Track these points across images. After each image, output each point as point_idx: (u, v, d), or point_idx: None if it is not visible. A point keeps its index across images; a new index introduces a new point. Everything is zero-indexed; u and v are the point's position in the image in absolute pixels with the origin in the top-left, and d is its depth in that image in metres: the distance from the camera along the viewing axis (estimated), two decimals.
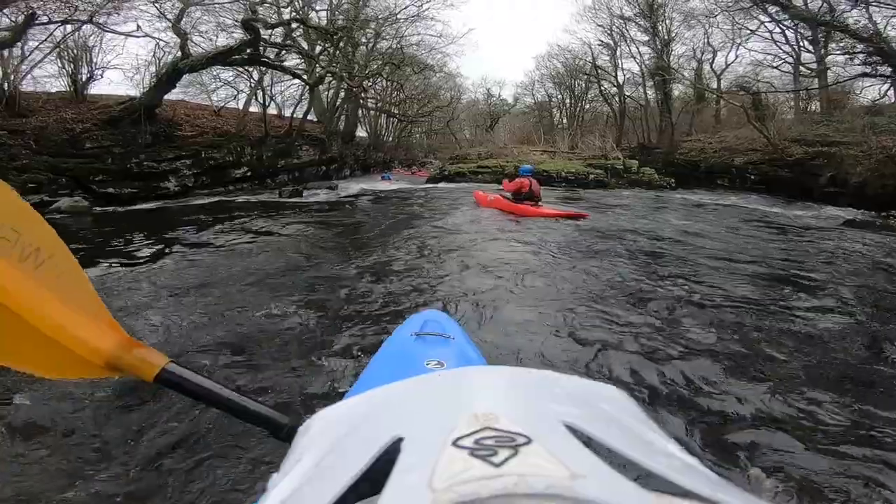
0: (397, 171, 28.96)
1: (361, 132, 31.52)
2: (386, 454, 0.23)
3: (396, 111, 30.15)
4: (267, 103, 17.26)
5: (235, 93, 17.83)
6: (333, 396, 1.94)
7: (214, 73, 16.18)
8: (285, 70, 12.66)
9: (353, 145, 25.89)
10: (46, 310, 0.49)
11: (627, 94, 27.85)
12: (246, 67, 13.73)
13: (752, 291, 3.58)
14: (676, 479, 0.20)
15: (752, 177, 18.05)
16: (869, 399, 2.03)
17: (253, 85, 15.01)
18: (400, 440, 0.24)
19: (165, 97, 13.16)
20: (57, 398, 1.97)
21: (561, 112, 36.15)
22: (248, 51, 10.80)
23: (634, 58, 26.56)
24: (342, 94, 20.19)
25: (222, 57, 10.59)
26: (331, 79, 14.68)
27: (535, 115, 37.63)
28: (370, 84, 21.12)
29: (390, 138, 33.75)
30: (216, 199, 11.32)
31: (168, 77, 11.21)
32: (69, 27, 11.49)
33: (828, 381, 2.19)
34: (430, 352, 0.97)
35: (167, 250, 5.18)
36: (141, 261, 4.70)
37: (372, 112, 30.00)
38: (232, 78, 17.09)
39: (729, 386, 2.13)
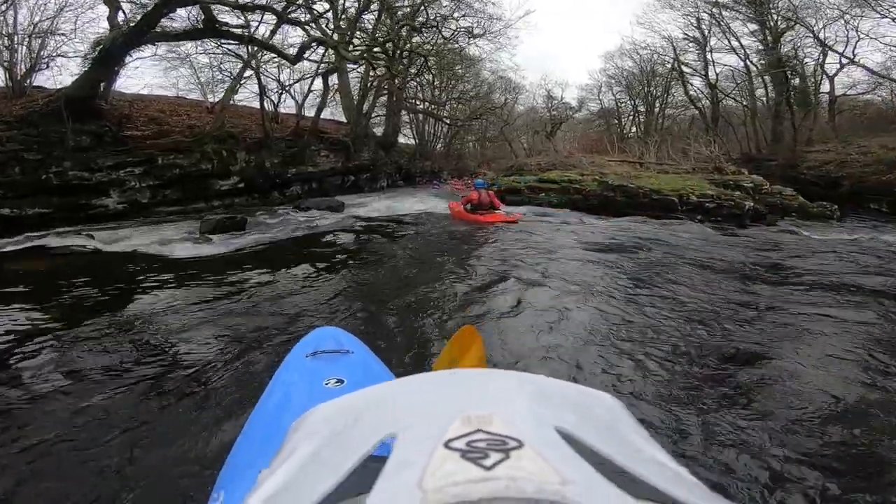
0: (453, 182, 24.89)
1: (405, 140, 27.86)
2: (377, 453, 0.23)
3: (446, 114, 26.09)
4: (277, 100, 13.63)
5: (249, 88, 14.36)
6: (224, 443, 1.61)
7: (216, 62, 12.73)
8: (253, 41, 8.80)
9: (395, 152, 21.98)
10: None
11: (722, 95, 21.96)
12: (223, 44, 10.07)
13: None
14: (664, 488, 0.20)
15: None
16: None
17: (242, 68, 11.13)
18: (392, 438, 0.23)
19: (153, 91, 9.81)
20: None
21: (635, 118, 30.41)
22: (200, 20, 7.01)
23: (736, 52, 20.57)
24: (371, 86, 16.25)
25: (146, 22, 6.80)
26: (321, 51, 10.59)
27: (602, 121, 32.15)
28: (403, 69, 16.92)
29: (439, 146, 29.71)
30: (151, 227, 7.52)
31: (100, 59, 7.62)
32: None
33: None
34: (328, 370, 0.91)
35: None
36: None
37: (420, 116, 26.16)
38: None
39: None
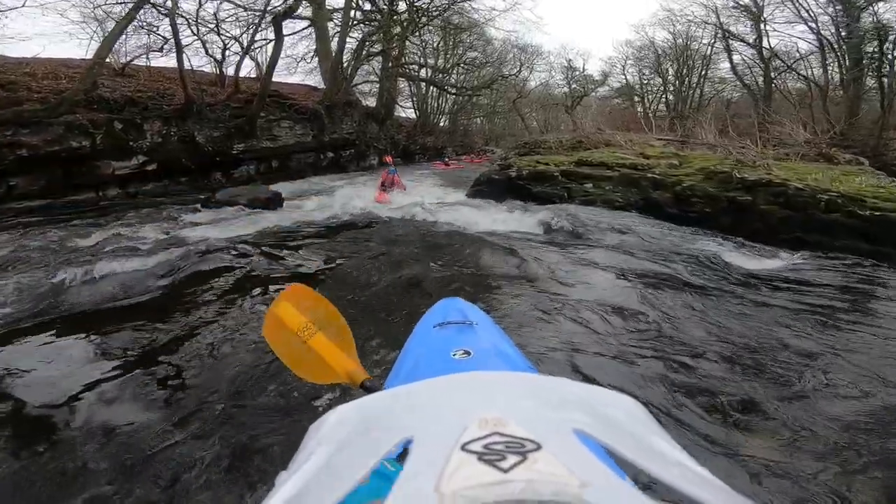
0: (467, 159, 21.62)
1: (404, 114, 24.12)
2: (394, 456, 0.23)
3: (451, 83, 22.24)
4: (222, 56, 10.23)
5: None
6: None
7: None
8: None
9: (391, 126, 18.37)
10: (332, 354, 0.83)
11: (784, 66, 17.86)
12: None
13: None
14: (688, 490, 0.19)
15: None
16: None
17: (135, 7, 7.36)
18: (409, 442, 0.22)
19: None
20: None
21: (665, 94, 26.23)
22: None
23: (807, 23, 16.32)
24: (349, 37, 12.57)
25: None
26: None
27: (623, 98, 28.03)
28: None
29: (443, 120, 25.93)
30: None
31: None
32: None
33: None
34: (455, 341, 0.90)
35: None
36: None
37: (422, 86, 22.33)
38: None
39: None
